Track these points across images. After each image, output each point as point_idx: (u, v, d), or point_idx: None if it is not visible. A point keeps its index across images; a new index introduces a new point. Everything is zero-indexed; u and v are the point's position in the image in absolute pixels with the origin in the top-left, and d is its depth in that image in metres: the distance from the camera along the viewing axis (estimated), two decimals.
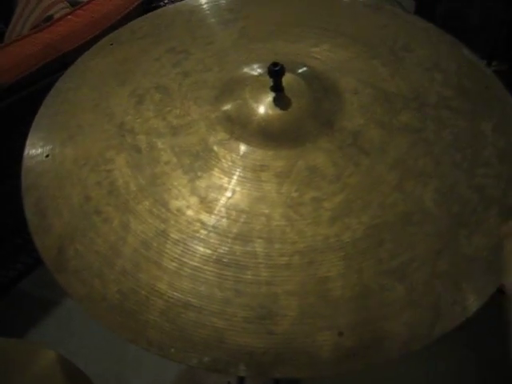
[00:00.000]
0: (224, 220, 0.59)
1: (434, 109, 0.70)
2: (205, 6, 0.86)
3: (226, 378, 1.07)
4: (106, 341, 1.48)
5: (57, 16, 1.36)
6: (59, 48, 1.19)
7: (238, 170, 0.62)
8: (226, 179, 0.61)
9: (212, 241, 0.57)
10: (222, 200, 0.60)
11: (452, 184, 0.63)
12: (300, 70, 0.69)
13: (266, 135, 0.64)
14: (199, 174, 0.62)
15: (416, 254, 0.58)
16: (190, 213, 0.59)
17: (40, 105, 0.75)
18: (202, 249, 0.57)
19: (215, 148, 0.63)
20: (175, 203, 0.60)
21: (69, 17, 1.26)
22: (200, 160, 0.63)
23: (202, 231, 0.58)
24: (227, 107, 0.66)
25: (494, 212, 0.62)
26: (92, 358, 0.84)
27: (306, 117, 0.65)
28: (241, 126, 0.64)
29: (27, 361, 0.81)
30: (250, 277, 0.56)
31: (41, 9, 1.50)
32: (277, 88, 0.65)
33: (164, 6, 1.33)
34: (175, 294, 0.55)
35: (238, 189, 0.60)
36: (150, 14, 0.87)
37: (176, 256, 0.57)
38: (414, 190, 0.62)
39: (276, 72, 0.63)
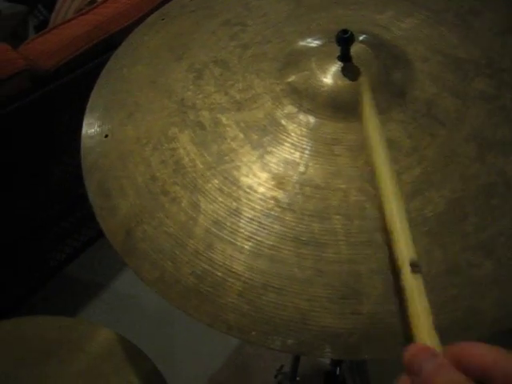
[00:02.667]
0: (299, 196, 0.56)
1: (508, 74, 0.66)
2: None
3: (278, 359, 1.05)
4: (155, 324, 1.49)
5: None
6: (106, 29, 1.18)
7: (310, 143, 0.59)
8: (297, 154, 0.58)
9: (288, 218, 0.55)
10: (296, 176, 0.57)
11: None
12: (366, 38, 0.65)
13: (335, 107, 0.61)
14: (269, 149, 0.59)
15: (503, 227, 0.55)
16: (262, 190, 0.57)
17: (88, 87, 0.73)
18: (277, 227, 0.55)
19: (283, 122, 0.61)
20: (246, 180, 0.58)
21: None
22: (268, 135, 0.60)
23: (277, 208, 0.56)
24: (293, 79, 0.63)
25: None
26: (143, 340, 0.83)
27: (376, 87, 0.62)
28: (309, 98, 0.62)
29: (87, 339, 0.80)
30: (330, 255, 0.53)
31: None
32: (345, 57, 0.62)
33: None
34: (253, 274, 0.53)
35: (310, 163, 0.58)
36: None
37: (251, 235, 0.55)
38: (495, 161, 0.59)
39: (345, 39, 0.60)
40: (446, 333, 0.51)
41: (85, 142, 0.67)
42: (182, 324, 1.48)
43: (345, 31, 0.60)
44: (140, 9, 1.22)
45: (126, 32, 0.79)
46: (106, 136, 0.66)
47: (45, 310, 0.86)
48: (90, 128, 0.68)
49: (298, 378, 1.01)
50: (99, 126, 0.68)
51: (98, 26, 1.17)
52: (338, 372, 1.03)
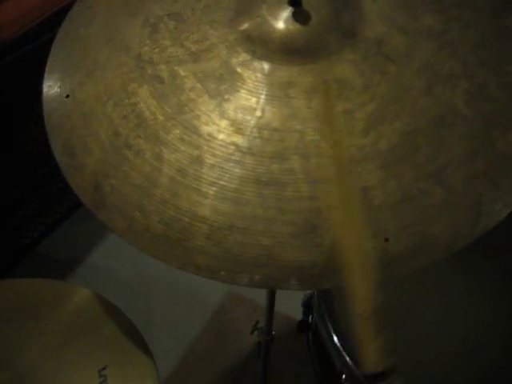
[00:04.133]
0: (258, 140, 0.58)
1: (456, 9, 0.68)
2: None
3: (251, 321, 1.09)
4: (133, 295, 1.51)
5: None
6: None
7: (265, 88, 0.61)
8: (253, 99, 0.60)
9: (248, 162, 0.57)
10: (253, 120, 0.59)
11: (481, 84, 0.62)
12: None
13: (288, 51, 0.63)
14: (226, 96, 0.61)
15: (452, 156, 0.58)
16: (222, 136, 0.59)
17: (46, 57, 0.73)
18: (239, 170, 0.57)
19: (239, 69, 0.62)
20: (206, 128, 0.59)
21: None
22: (225, 83, 0.62)
23: (237, 153, 0.58)
24: (245, 27, 0.65)
25: None
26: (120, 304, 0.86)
27: (327, 29, 0.64)
28: (262, 45, 0.63)
29: (65, 298, 0.83)
30: (290, 193, 0.56)
31: None
32: (295, 2, 0.63)
33: None
34: (218, 217, 0.55)
35: (267, 108, 0.60)
36: None
37: (214, 180, 0.57)
38: (444, 93, 0.61)
39: None
40: (402, 258, 0.54)
41: (46, 104, 0.68)
42: (160, 294, 1.51)
43: None
44: None
45: None
46: (67, 96, 0.67)
47: None
48: (51, 90, 0.69)
49: (273, 332, 1.05)
50: (59, 87, 0.68)
51: None
52: (310, 320, 1.08)
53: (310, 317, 1.07)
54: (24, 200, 1.54)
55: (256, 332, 1.08)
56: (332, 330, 0.87)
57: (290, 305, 1.09)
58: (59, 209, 1.66)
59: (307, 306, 1.07)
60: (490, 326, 0.92)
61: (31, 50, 1.22)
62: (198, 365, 1.46)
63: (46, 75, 0.71)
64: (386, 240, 0.54)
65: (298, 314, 1.12)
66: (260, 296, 1.00)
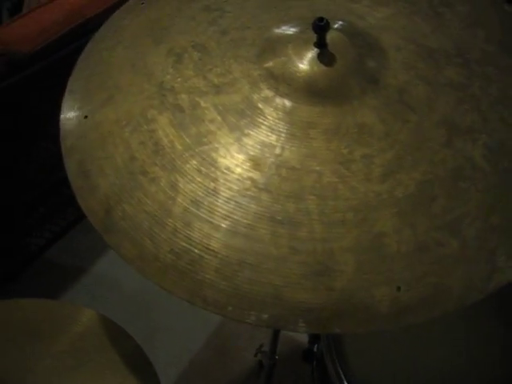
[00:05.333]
0: (275, 177, 0.58)
1: (479, 65, 0.68)
2: None
3: (257, 340, 1.08)
4: (136, 306, 1.50)
5: None
6: (83, 13, 1.18)
7: (286, 127, 0.61)
8: (274, 137, 0.60)
9: (264, 198, 0.57)
10: (272, 158, 0.59)
11: (501, 140, 0.62)
12: (342, 26, 0.67)
13: (311, 92, 0.63)
14: (246, 131, 0.61)
15: (469, 209, 0.58)
16: (239, 171, 0.58)
17: (65, 71, 0.73)
18: (254, 206, 0.56)
19: (260, 105, 0.62)
20: (223, 161, 0.59)
21: None
22: (246, 118, 0.62)
23: (254, 189, 0.57)
24: (270, 64, 0.65)
25: None
26: (124, 322, 0.85)
27: (351, 73, 0.64)
28: (285, 83, 0.63)
29: (70, 320, 0.82)
30: (304, 234, 0.55)
31: None
32: (321, 44, 0.64)
33: None
34: (230, 252, 0.55)
35: (287, 146, 0.60)
36: None
37: (228, 214, 0.56)
38: (464, 147, 0.61)
39: (321, 27, 0.62)
40: (413, 308, 0.53)
41: (64, 124, 0.68)
42: (163, 306, 1.50)
43: (321, 19, 0.61)
44: None
45: (102, 17, 0.79)
46: (86, 117, 0.67)
47: (26, 295, 0.87)
48: (70, 110, 0.69)
49: (276, 357, 1.04)
50: (79, 108, 0.68)
51: (75, 10, 1.17)
52: (315, 349, 1.06)
53: (316, 346, 1.05)
54: (32, 207, 1.54)
55: (259, 355, 1.06)
56: (338, 363, 0.86)
57: None
58: (67, 216, 1.66)
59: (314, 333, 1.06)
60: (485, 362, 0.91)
61: (51, 64, 1.23)
62: (197, 380, 1.43)
63: (66, 95, 0.71)
64: (398, 289, 0.53)
65: (303, 336, 1.10)
66: None
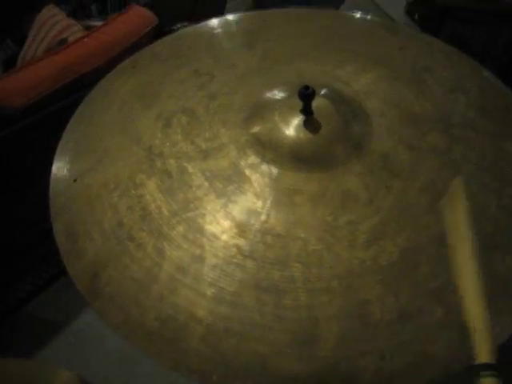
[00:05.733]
0: (260, 245, 0.59)
1: (460, 129, 0.70)
2: (223, 29, 0.87)
3: None
4: (117, 364, 1.47)
5: (71, 39, 1.37)
6: (75, 70, 1.20)
7: (272, 193, 0.62)
8: (259, 203, 0.61)
9: (249, 266, 0.57)
10: (257, 224, 0.60)
11: (482, 205, 0.64)
12: (327, 93, 0.69)
13: (297, 158, 0.64)
14: (232, 198, 0.62)
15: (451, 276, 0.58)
16: (225, 238, 0.59)
17: (57, 127, 0.75)
18: (239, 274, 0.57)
19: (247, 172, 0.64)
20: (210, 228, 0.60)
21: (85, 39, 1.26)
22: (232, 184, 0.63)
23: (239, 256, 0.58)
24: (257, 130, 0.66)
25: None
26: (105, 381, 0.84)
27: (336, 140, 0.65)
28: (272, 149, 0.65)
29: (47, 383, 0.80)
30: (289, 302, 0.56)
31: (55, 31, 1.50)
32: (307, 111, 0.65)
33: (177, 29, 1.34)
34: (215, 320, 0.55)
35: (272, 213, 0.60)
36: (170, 36, 0.87)
37: (214, 282, 0.57)
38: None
39: (307, 95, 0.64)
40: (398, 376, 0.53)
41: (54, 186, 0.69)
42: (144, 364, 1.47)
43: (306, 87, 0.63)
44: (109, 51, 1.25)
45: (95, 73, 0.81)
46: (75, 180, 0.68)
47: (3, 349, 0.85)
48: (60, 171, 0.70)
49: None
50: (68, 170, 0.69)
51: (68, 66, 1.19)
52: None
53: None
54: (14, 259, 1.53)
55: None
56: None
57: None
58: (50, 269, 1.64)
59: None
60: None
61: (43, 119, 1.24)
62: None
63: (56, 156, 0.72)
64: (382, 357, 0.54)
65: None
66: None
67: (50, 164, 0.71)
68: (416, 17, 2.14)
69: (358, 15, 0.92)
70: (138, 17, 1.38)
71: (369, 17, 0.91)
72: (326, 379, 0.53)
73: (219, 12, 2.29)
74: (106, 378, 0.84)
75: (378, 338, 0.55)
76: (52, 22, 1.64)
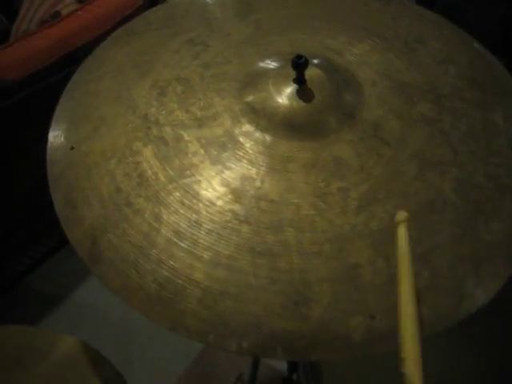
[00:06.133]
0: (255, 210, 0.60)
1: (449, 100, 0.72)
2: None
3: (237, 368, 1.09)
4: (117, 334, 1.50)
5: (64, 12, 1.37)
6: (70, 43, 1.20)
7: (266, 160, 0.63)
8: (254, 170, 0.63)
9: (244, 230, 0.59)
10: (252, 190, 0.61)
11: (469, 173, 0.66)
12: (320, 63, 0.70)
13: (290, 127, 0.66)
14: (227, 164, 0.63)
15: (439, 240, 0.61)
16: (220, 203, 0.61)
17: (52, 99, 0.75)
18: (235, 238, 0.59)
19: (241, 139, 0.65)
20: (206, 194, 0.62)
21: (78, 12, 1.26)
22: (227, 151, 0.64)
23: (234, 221, 0.60)
24: (251, 99, 0.68)
25: (508, 199, 0.65)
26: (105, 350, 0.86)
27: (328, 109, 0.67)
28: (265, 118, 0.66)
29: (50, 347, 0.83)
30: (283, 265, 0.58)
31: (47, 4, 1.49)
32: (300, 80, 0.67)
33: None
34: (211, 282, 0.57)
35: (266, 179, 0.62)
36: (164, 4, 0.87)
37: (210, 245, 0.59)
38: (434, 179, 0.64)
39: (300, 64, 0.65)
40: (388, 337, 0.56)
41: (51, 154, 0.70)
42: (144, 334, 1.51)
43: (299, 56, 0.64)
44: (103, 24, 1.25)
45: (89, 46, 0.82)
46: (72, 148, 0.69)
47: (4, 322, 0.87)
48: (56, 140, 0.71)
49: None
50: (65, 138, 0.70)
51: (62, 39, 1.19)
52: (294, 378, 1.08)
53: (295, 374, 1.07)
54: (13, 232, 1.54)
55: (239, 383, 1.08)
56: None
57: None
58: (48, 242, 1.66)
59: (292, 361, 1.08)
60: None
61: (38, 91, 1.25)
62: None
63: (52, 125, 0.73)
64: (372, 317, 0.56)
65: (282, 365, 1.12)
66: None
67: (47, 136, 0.72)
68: None
69: None
70: None
71: None
72: (317, 339, 0.55)
73: None
74: (105, 349, 0.86)
75: (368, 299, 0.57)
76: None
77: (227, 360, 1.48)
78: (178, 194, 0.62)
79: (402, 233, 0.56)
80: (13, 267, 1.60)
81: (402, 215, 0.57)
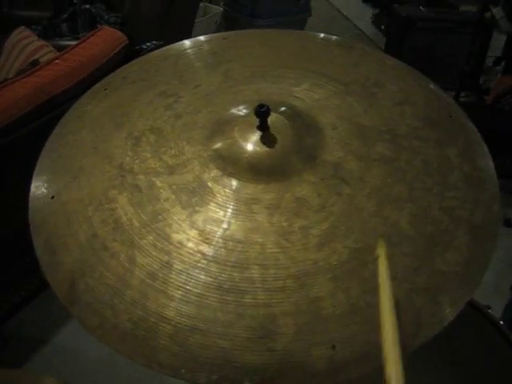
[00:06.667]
0: (222, 250, 0.65)
1: (405, 139, 0.77)
2: (189, 51, 0.93)
3: None
4: (97, 377, 1.52)
5: (43, 60, 1.42)
6: (48, 91, 1.25)
7: (232, 203, 0.68)
8: (221, 212, 0.67)
9: (212, 269, 0.63)
10: (219, 232, 0.66)
11: (425, 207, 0.70)
12: (283, 110, 0.75)
13: (255, 171, 0.70)
14: (197, 208, 0.68)
15: (396, 272, 0.64)
16: (190, 245, 0.65)
17: (30, 147, 0.80)
18: (203, 277, 0.63)
19: (210, 184, 0.70)
20: (176, 236, 0.66)
21: (56, 61, 1.31)
22: (196, 196, 0.69)
23: (203, 261, 0.64)
24: (218, 146, 0.73)
25: (462, 230, 0.69)
26: None
27: (290, 152, 0.72)
28: (232, 163, 0.71)
29: None
30: (249, 300, 0.61)
31: (26, 53, 1.55)
32: (263, 127, 0.72)
33: (147, 48, 1.40)
34: (182, 319, 0.61)
35: (233, 221, 0.67)
36: (138, 59, 0.93)
37: (180, 285, 0.63)
38: (391, 215, 0.69)
39: (262, 113, 0.70)
40: (348, 365, 0.60)
41: (33, 203, 0.74)
42: (126, 377, 1.52)
43: (261, 105, 0.69)
44: (80, 72, 1.30)
45: (66, 93, 0.86)
46: (53, 197, 0.73)
47: None
48: (38, 190, 0.75)
49: None
50: (46, 188, 0.75)
51: (40, 87, 1.24)
52: None
53: None
54: None
55: None
56: None
57: None
58: (28, 286, 1.68)
59: None
60: None
61: (18, 138, 1.29)
62: None
63: (34, 175, 0.77)
64: (334, 347, 0.60)
65: None
66: None
67: (26, 184, 0.76)
68: (382, 27, 2.23)
69: (321, 35, 0.99)
70: (109, 37, 1.44)
71: (333, 37, 0.98)
72: (282, 370, 0.59)
73: (188, 29, 2.35)
74: None
75: (329, 330, 0.61)
76: (23, 44, 1.69)
77: None
78: (150, 237, 0.66)
79: (384, 263, 0.61)
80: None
81: (382, 246, 0.62)
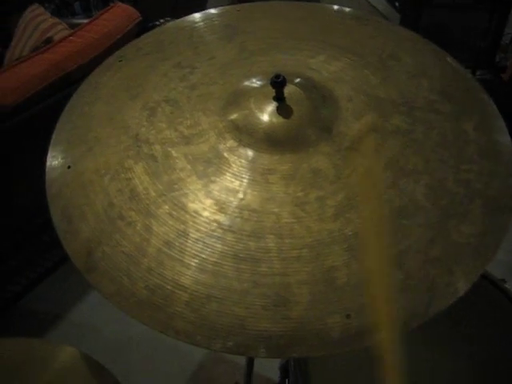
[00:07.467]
0: (238, 219, 0.65)
1: (422, 112, 0.76)
2: (203, 23, 0.93)
3: (231, 381, 1.13)
4: (114, 352, 1.54)
5: (56, 37, 1.42)
6: (63, 67, 1.25)
7: (248, 173, 0.68)
8: (237, 183, 0.67)
9: (228, 238, 0.64)
10: (235, 201, 0.66)
11: (440, 179, 0.70)
12: (299, 81, 0.75)
13: (271, 142, 0.70)
14: (212, 178, 0.68)
15: (411, 243, 0.65)
16: (206, 214, 0.65)
17: (47, 123, 0.80)
18: (219, 246, 0.63)
19: (225, 154, 0.70)
20: (192, 206, 0.66)
21: (70, 38, 1.31)
22: (212, 166, 0.69)
23: (219, 230, 0.64)
24: (234, 117, 0.73)
25: (478, 203, 0.69)
26: (103, 362, 0.89)
27: (306, 123, 0.72)
28: (248, 134, 0.71)
29: (51, 358, 0.86)
30: (264, 269, 0.62)
31: (40, 31, 1.55)
32: (279, 98, 0.71)
33: (160, 24, 1.39)
34: (198, 287, 0.61)
35: (248, 191, 0.67)
36: (153, 31, 0.93)
37: (197, 253, 0.63)
38: (407, 187, 0.69)
39: (278, 83, 0.70)
40: (363, 333, 0.60)
41: (49, 173, 0.75)
42: (141, 351, 1.55)
43: (278, 76, 0.69)
44: (94, 48, 1.30)
45: (81, 70, 0.87)
46: (69, 167, 0.74)
47: None
48: (54, 160, 0.76)
49: None
50: (62, 159, 0.75)
51: (55, 64, 1.24)
52: (286, 383, 1.12)
53: (287, 380, 1.10)
54: (10, 253, 1.58)
55: None
56: None
57: (269, 367, 1.12)
58: (45, 263, 1.70)
59: (284, 369, 1.11)
60: None
61: (33, 116, 1.30)
62: None
63: (51, 146, 0.78)
64: (348, 316, 0.60)
65: (276, 375, 1.15)
66: (240, 357, 1.03)
67: (42, 159, 0.76)
68: (396, 4, 2.20)
69: (335, 7, 0.98)
70: (122, 14, 1.43)
71: (347, 10, 0.97)
72: (297, 337, 0.59)
73: (201, 6, 2.34)
74: (106, 360, 0.90)
75: (344, 299, 0.61)
76: (37, 22, 1.69)
77: (223, 375, 1.51)
78: (166, 206, 0.67)
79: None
80: (10, 289, 1.64)
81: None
